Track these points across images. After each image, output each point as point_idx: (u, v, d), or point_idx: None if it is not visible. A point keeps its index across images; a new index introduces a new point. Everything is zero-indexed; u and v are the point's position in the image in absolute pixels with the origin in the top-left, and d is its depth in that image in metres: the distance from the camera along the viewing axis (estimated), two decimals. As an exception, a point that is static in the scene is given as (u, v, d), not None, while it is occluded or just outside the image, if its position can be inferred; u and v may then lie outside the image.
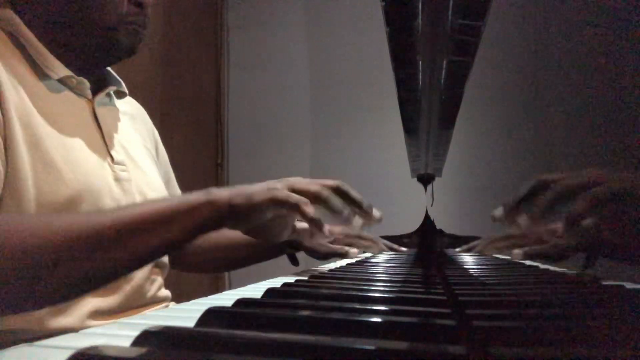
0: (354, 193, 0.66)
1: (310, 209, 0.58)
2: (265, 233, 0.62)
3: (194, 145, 2.03)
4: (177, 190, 0.96)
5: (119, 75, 0.81)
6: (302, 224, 0.69)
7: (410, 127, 0.65)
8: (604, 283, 0.55)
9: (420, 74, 0.48)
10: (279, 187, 0.59)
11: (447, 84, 0.51)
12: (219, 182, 2.18)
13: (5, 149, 0.57)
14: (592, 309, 0.36)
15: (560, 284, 0.55)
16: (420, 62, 0.45)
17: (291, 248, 0.88)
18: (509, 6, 1.78)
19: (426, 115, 0.60)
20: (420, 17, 0.38)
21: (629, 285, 0.51)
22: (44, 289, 0.46)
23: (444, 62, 0.46)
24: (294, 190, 0.60)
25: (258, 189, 0.56)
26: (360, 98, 2.00)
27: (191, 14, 2.04)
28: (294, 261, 0.91)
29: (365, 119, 1.99)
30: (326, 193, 0.63)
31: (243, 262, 0.97)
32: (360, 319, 0.29)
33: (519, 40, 1.83)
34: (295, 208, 0.57)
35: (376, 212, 0.68)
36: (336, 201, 0.64)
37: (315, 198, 0.63)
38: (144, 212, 0.50)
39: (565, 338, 0.26)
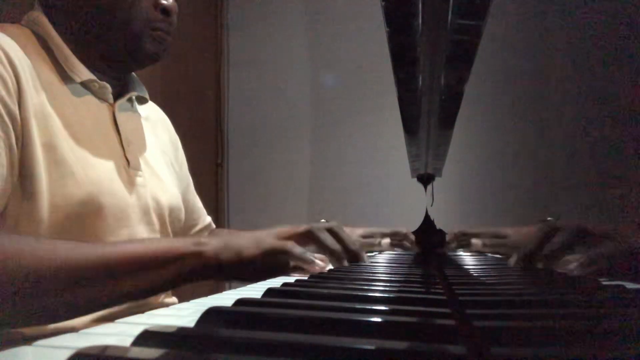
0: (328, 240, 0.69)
1: (298, 249, 0.61)
2: (255, 279, 0.63)
3: (194, 145, 2.02)
4: (195, 198, 0.97)
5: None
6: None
7: (410, 127, 0.66)
8: (604, 283, 0.55)
9: (420, 74, 0.48)
10: (266, 238, 0.61)
11: (447, 84, 0.51)
12: (219, 182, 2.18)
13: (22, 148, 0.58)
14: (592, 309, 0.36)
15: (560, 284, 0.55)
16: (420, 62, 0.45)
17: None
18: (510, 6, 1.78)
19: (426, 115, 0.60)
20: (420, 17, 0.38)
21: (629, 285, 0.51)
22: (24, 311, 0.46)
23: (444, 62, 0.46)
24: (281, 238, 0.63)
25: (246, 243, 0.57)
26: (361, 98, 2.00)
27: (191, 14, 2.04)
28: None
29: (366, 118, 1.99)
30: (314, 229, 0.67)
31: None
32: (360, 318, 0.29)
33: (519, 40, 1.83)
34: (285, 252, 0.60)
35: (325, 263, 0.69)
36: (327, 237, 0.68)
37: (305, 236, 0.66)
38: (128, 253, 0.50)
39: (565, 338, 0.26)
